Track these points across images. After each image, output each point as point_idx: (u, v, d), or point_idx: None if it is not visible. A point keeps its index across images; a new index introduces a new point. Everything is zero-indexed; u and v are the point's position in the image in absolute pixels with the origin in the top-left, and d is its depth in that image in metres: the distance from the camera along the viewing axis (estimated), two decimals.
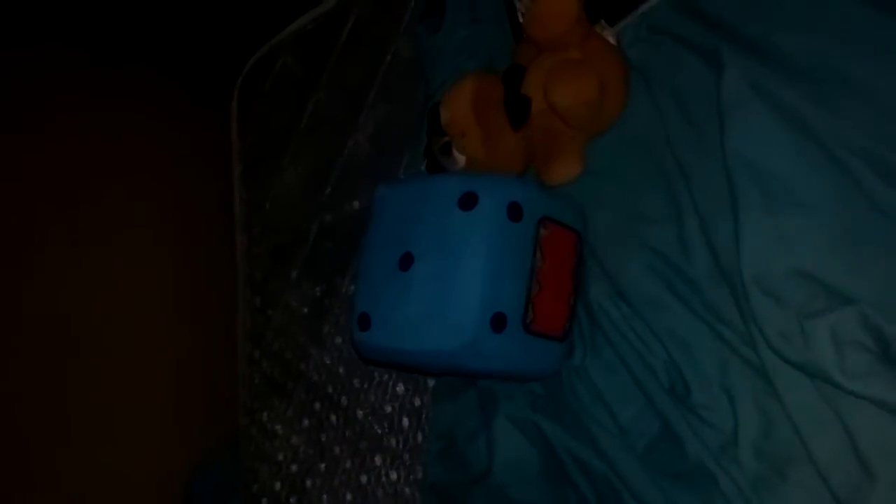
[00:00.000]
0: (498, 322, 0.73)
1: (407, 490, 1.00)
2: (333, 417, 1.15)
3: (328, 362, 1.18)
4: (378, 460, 1.05)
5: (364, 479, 1.07)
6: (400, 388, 1.04)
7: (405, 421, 1.03)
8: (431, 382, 0.99)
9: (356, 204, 1.21)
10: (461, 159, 0.87)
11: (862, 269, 0.62)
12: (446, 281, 0.74)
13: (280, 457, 1.22)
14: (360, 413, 1.10)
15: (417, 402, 1.01)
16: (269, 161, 1.41)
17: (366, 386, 1.10)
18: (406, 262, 0.77)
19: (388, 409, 1.06)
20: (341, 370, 1.15)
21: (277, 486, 1.21)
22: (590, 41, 0.83)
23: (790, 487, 0.65)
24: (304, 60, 1.41)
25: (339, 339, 1.17)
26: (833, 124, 0.65)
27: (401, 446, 1.02)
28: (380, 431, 1.06)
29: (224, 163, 1.51)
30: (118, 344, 1.32)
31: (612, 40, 0.85)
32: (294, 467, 1.19)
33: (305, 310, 1.26)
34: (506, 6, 0.95)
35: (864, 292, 0.61)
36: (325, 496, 1.12)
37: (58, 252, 1.29)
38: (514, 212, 0.75)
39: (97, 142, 1.37)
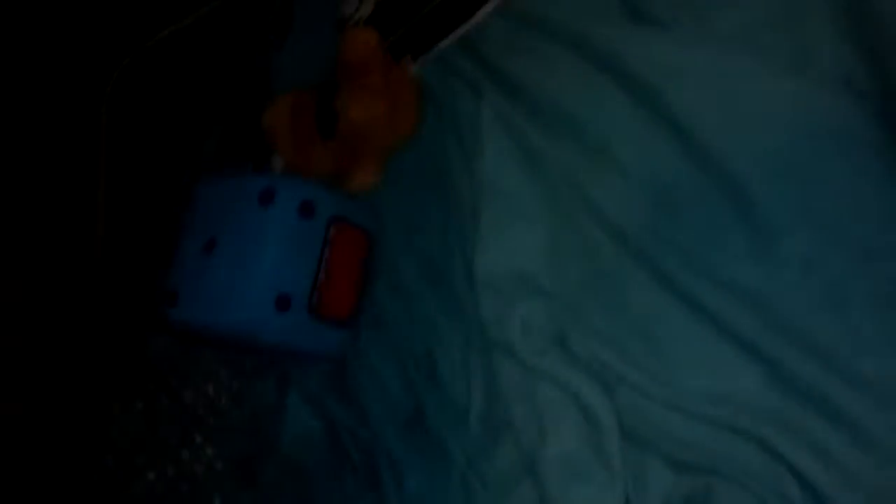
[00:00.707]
0: (283, 302, 0.85)
1: (218, 464, 1.10)
2: (164, 399, 1.23)
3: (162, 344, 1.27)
4: (198, 438, 1.15)
5: (185, 454, 1.17)
6: (222, 372, 1.15)
7: (223, 400, 1.13)
8: (248, 364, 1.10)
9: None
10: (279, 163, 1.00)
11: (561, 271, 0.77)
12: (240, 264, 0.86)
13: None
14: (187, 395, 1.19)
15: (235, 385, 1.12)
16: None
17: (191, 369, 1.19)
18: (210, 246, 0.88)
19: (211, 391, 1.16)
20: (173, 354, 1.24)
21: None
22: (392, 71, 0.96)
23: (500, 448, 0.79)
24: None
25: None
26: (552, 154, 0.80)
27: (219, 424, 1.13)
28: (202, 412, 1.16)
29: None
30: None
31: (412, 72, 1.00)
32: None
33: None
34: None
35: (559, 290, 0.76)
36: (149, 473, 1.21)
37: None
38: (307, 209, 0.88)
39: None
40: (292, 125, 0.98)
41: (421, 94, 0.97)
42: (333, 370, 0.96)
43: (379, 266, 0.96)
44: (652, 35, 0.75)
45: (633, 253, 0.74)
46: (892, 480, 0.60)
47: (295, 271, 0.87)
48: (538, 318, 0.74)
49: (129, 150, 1.56)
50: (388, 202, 0.98)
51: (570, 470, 0.69)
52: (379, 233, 0.97)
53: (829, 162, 0.66)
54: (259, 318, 0.85)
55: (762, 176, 0.67)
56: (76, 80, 1.57)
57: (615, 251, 0.75)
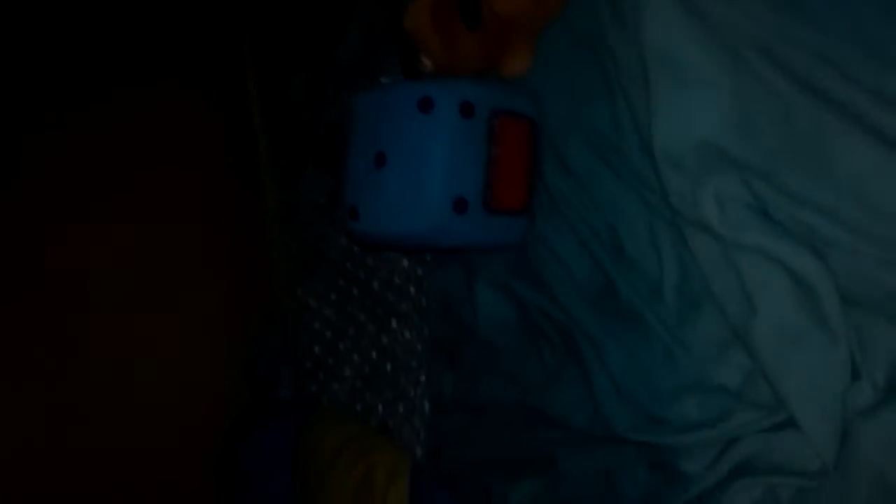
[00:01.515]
0: (460, 205, 0.87)
1: (418, 346, 1.19)
2: (355, 290, 1.33)
3: (344, 244, 1.35)
4: (394, 323, 1.24)
5: (384, 339, 1.26)
6: (404, 262, 1.21)
7: (411, 289, 1.20)
8: (429, 256, 1.15)
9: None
10: (429, 63, 0.98)
11: (752, 138, 0.73)
12: (413, 175, 0.88)
13: (316, 325, 1.42)
14: (375, 284, 1.27)
15: (419, 272, 1.18)
16: (277, 68, 1.53)
17: (377, 262, 1.26)
18: (380, 160, 0.90)
19: (397, 280, 1.23)
20: (356, 249, 1.32)
21: (316, 349, 1.42)
22: None
23: (702, 318, 0.79)
24: None
25: None
26: (729, 15, 0.74)
27: (410, 309, 1.20)
28: (392, 298, 1.23)
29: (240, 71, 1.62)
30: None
31: None
32: (328, 333, 1.39)
33: (322, 199, 1.42)
34: None
35: (753, 159, 0.73)
36: (354, 356, 1.32)
37: None
38: (467, 109, 0.87)
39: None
40: (435, 23, 0.95)
41: None
42: (516, 256, 0.99)
43: (546, 147, 0.95)
44: None
45: (834, 108, 0.68)
46: None
47: (466, 172, 0.88)
48: (733, 191, 0.71)
49: (271, 55, 1.59)
50: (545, 81, 0.95)
51: (786, 336, 0.69)
52: (541, 115, 0.95)
53: None
54: (440, 224, 0.87)
55: None
56: None
57: (812, 108, 0.69)
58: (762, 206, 0.71)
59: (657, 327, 0.82)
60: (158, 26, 1.52)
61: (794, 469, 0.70)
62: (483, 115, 0.89)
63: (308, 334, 1.44)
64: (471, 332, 1.05)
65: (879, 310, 0.67)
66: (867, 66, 0.66)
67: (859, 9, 0.68)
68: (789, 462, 0.71)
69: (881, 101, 0.65)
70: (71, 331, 1.27)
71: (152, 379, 1.36)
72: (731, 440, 0.75)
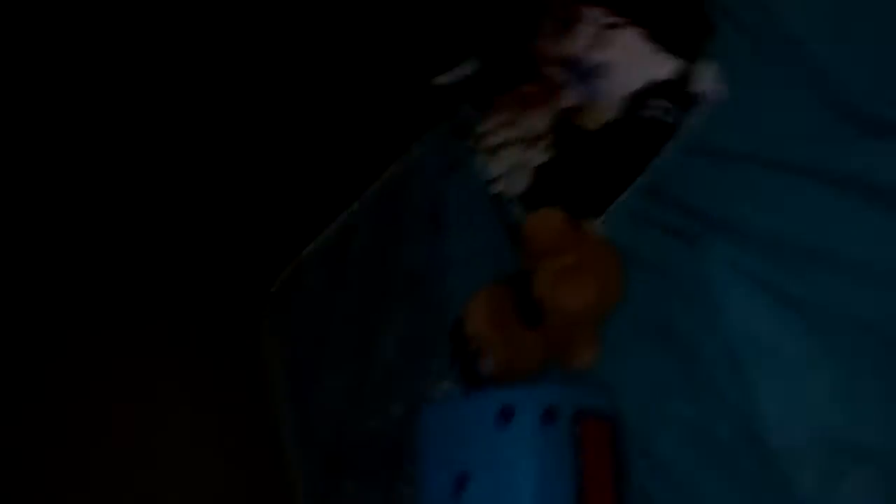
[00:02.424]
0: None
1: None
2: None
3: None
4: None
5: None
6: None
7: None
8: None
9: (397, 407, 1.27)
10: (490, 364, 0.95)
11: (871, 420, 0.67)
12: (501, 498, 0.79)
13: None
14: None
15: None
16: (307, 379, 1.49)
17: None
18: (462, 481, 0.82)
19: None
20: None
21: None
22: (581, 241, 0.92)
23: None
24: (323, 276, 1.51)
25: None
26: (808, 293, 0.72)
27: None
28: None
29: (262, 383, 1.58)
30: None
31: (599, 230, 0.95)
32: None
33: None
34: (501, 215, 1.05)
35: (880, 441, 0.66)
36: None
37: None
38: (549, 416, 0.82)
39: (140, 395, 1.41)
40: (494, 324, 0.93)
41: (618, 254, 0.92)
42: None
43: (630, 444, 0.87)
44: None
45: None
46: None
47: (556, 488, 0.80)
48: (871, 482, 0.64)
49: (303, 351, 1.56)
50: (618, 372, 0.90)
51: None
52: (616, 410, 0.89)
53: None
54: None
55: None
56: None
57: None
58: None
59: None
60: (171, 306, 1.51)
61: None
62: (566, 420, 0.83)
63: None
64: None
65: None
66: None
67: None
68: None
69: None
70: None
71: None
72: None
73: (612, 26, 0.95)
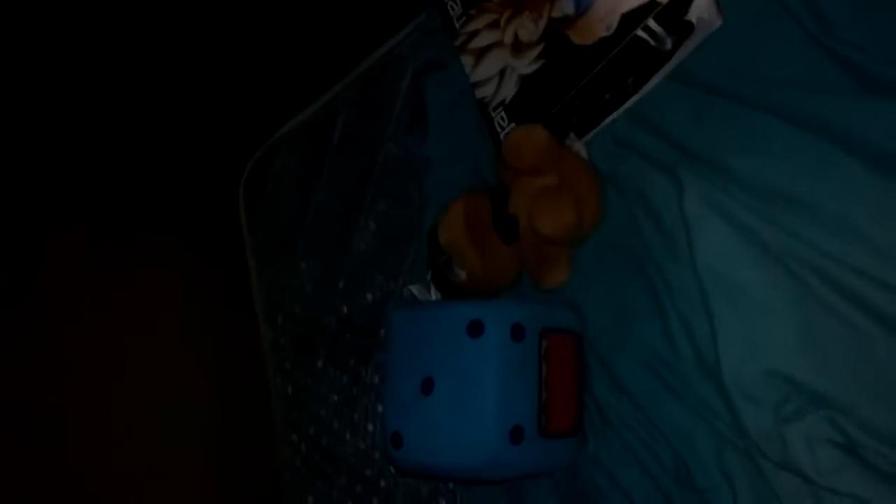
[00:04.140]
0: (516, 435, 0.83)
1: None
2: (375, 500, 1.24)
3: (363, 447, 1.27)
4: None
5: None
6: None
7: (441, 502, 1.12)
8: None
9: (369, 297, 1.30)
10: (462, 274, 0.97)
11: (827, 368, 0.71)
12: (465, 404, 0.83)
13: None
14: (399, 496, 1.19)
15: (451, 485, 1.11)
16: (281, 257, 1.51)
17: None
18: (427, 386, 0.86)
19: (424, 490, 1.15)
20: (377, 455, 1.25)
21: None
22: (563, 161, 0.92)
23: None
24: (300, 161, 1.50)
25: (370, 427, 1.26)
26: (783, 240, 0.74)
27: None
28: None
29: (240, 262, 1.60)
30: (154, 440, 1.38)
31: (582, 152, 0.94)
32: None
33: (335, 397, 1.36)
34: (485, 121, 1.04)
35: (832, 391, 0.70)
36: None
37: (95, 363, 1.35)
38: (518, 332, 0.85)
39: (112, 262, 1.43)
40: (470, 235, 0.94)
41: (599, 179, 0.92)
42: (566, 481, 0.93)
43: (595, 363, 0.92)
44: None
45: None
46: None
47: (521, 399, 0.85)
48: (822, 432, 0.69)
49: (278, 239, 1.57)
50: (587, 294, 0.93)
51: None
52: (584, 328, 0.93)
53: None
54: (497, 457, 0.82)
55: None
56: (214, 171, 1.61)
57: (891, 342, 0.68)
58: (852, 446, 0.68)
59: None
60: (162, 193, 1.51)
61: None
62: (534, 336, 0.86)
63: None
64: None
65: None
66: None
67: None
68: None
69: None
70: None
71: None
72: None
73: None
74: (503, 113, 1.02)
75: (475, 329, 0.84)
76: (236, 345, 1.57)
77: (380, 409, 1.25)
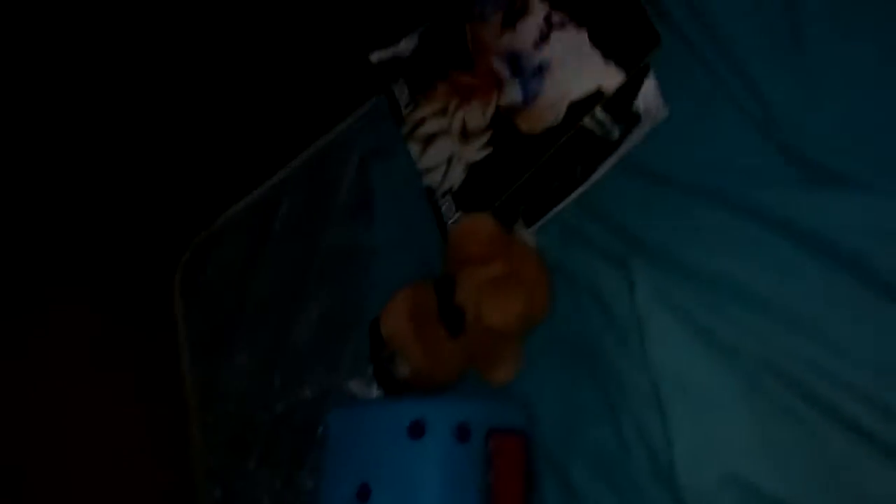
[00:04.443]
0: None
1: None
2: None
3: None
4: None
5: None
6: None
7: None
8: None
9: (308, 392, 1.23)
10: (406, 369, 0.91)
11: (784, 470, 0.67)
12: None
13: None
14: None
15: None
16: (216, 351, 1.42)
17: None
18: (364, 494, 0.79)
19: None
20: None
21: None
22: (511, 250, 0.88)
23: None
24: (240, 249, 1.44)
25: None
26: (734, 335, 0.71)
27: None
28: None
29: (172, 353, 1.51)
30: None
31: (530, 241, 0.91)
32: None
33: (266, 500, 1.26)
34: (432, 209, 1.01)
35: (791, 495, 0.66)
36: None
37: None
38: (463, 433, 0.79)
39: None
40: (414, 328, 0.89)
41: (547, 268, 0.89)
42: None
43: (544, 465, 0.86)
44: (844, 196, 0.65)
45: (867, 440, 0.64)
46: None
47: None
48: None
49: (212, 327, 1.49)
50: (538, 389, 0.88)
51: None
52: (532, 426, 0.87)
53: None
54: None
55: None
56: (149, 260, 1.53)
57: (842, 437, 0.65)
58: None
59: None
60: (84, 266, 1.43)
61: None
62: (480, 437, 0.80)
63: None
64: None
65: None
66: None
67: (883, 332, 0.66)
68: None
69: None
70: None
71: None
72: None
73: (561, 25, 0.91)
74: (451, 200, 0.99)
75: (416, 430, 0.78)
76: (164, 445, 1.46)
77: None
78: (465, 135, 0.99)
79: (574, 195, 0.89)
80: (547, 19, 0.92)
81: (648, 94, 0.81)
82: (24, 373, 1.25)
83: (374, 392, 0.99)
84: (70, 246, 1.40)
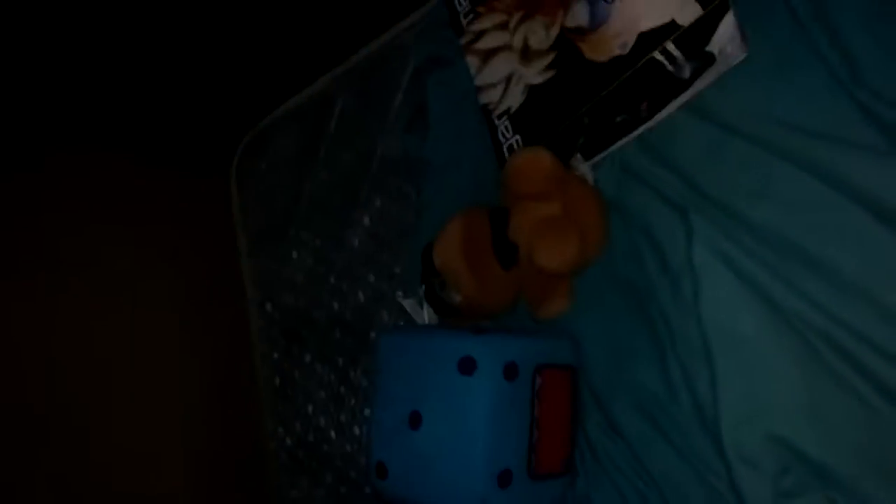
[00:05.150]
0: (504, 479, 0.80)
1: None
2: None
3: (349, 450, 1.25)
4: None
5: None
6: None
7: None
8: None
9: (361, 296, 1.26)
10: (457, 297, 0.93)
11: (831, 439, 0.68)
12: (453, 445, 0.80)
13: None
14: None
15: None
16: (273, 243, 1.46)
17: None
18: (415, 420, 0.83)
19: None
20: (363, 460, 1.22)
21: None
22: (567, 187, 0.87)
23: None
24: (296, 143, 1.44)
25: (357, 430, 1.24)
26: (792, 299, 0.70)
27: None
28: None
29: (230, 240, 1.55)
30: (140, 429, 1.35)
31: (588, 176, 0.89)
32: None
33: (322, 394, 1.33)
34: (488, 128, 0.98)
35: (835, 464, 0.67)
36: None
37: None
38: (511, 371, 0.81)
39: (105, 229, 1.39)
40: (467, 260, 0.90)
41: (605, 207, 0.87)
42: None
43: (589, 400, 0.88)
44: None
45: None
46: None
47: (511, 441, 0.81)
48: None
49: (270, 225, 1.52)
50: (587, 326, 0.89)
51: None
52: (579, 360, 0.89)
53: None
54: (484, 501, 0.79)
55: None
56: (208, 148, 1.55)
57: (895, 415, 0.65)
58: None
59: None
60: None
61: None
62: (527, 374, 0.82)
63: None
64: None
65: None
66: None
67: None
68: None
69: None
70: None
71: None
72: None
73: None
74: (508, 122, 0.97)
75: (466, 366, 0.81)
76: (224, 329, 1.53)
77: (366, 412, 1.22)
78: (527, 54, 0.95)
79: (638, 132, 0.85)
80: None
81: (725, 34, 0.76)
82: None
83: (425, 312, 1.01)
84: (133, 129, 1.43)
